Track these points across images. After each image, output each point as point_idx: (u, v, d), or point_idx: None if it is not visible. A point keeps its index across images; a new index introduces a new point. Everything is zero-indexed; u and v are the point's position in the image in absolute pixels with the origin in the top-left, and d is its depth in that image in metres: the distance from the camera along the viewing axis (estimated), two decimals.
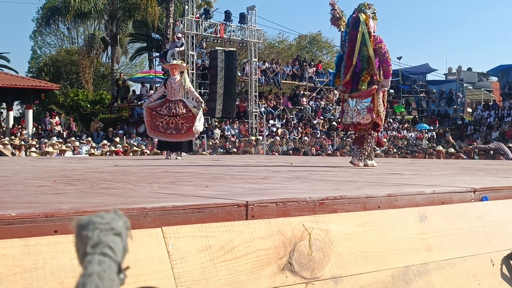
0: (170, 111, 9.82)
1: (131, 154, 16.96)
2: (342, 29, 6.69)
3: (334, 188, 3.27)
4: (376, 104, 6.48)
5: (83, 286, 0.57)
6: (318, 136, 25.18)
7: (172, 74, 9.97)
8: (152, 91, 26.65)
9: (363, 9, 6.56)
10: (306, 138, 24.52)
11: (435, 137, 28.02)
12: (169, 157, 10.02)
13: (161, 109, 9.88)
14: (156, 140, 10.86)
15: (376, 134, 6.76)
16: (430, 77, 37.90)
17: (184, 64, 10.99)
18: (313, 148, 19.84)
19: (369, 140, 6.69)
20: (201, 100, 10.50)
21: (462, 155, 14.80)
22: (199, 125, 10.06)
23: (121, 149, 17.33)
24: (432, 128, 30.31)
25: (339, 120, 7.25)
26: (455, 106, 34.49)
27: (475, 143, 19.17)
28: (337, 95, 31.48)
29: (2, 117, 31.47)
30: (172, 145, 10.01)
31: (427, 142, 25.44)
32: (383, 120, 6.70)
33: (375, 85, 6.46)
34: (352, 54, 6.50)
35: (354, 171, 5.76)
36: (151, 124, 9.98)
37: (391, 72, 6.58)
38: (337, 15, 6.67)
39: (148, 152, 17.36)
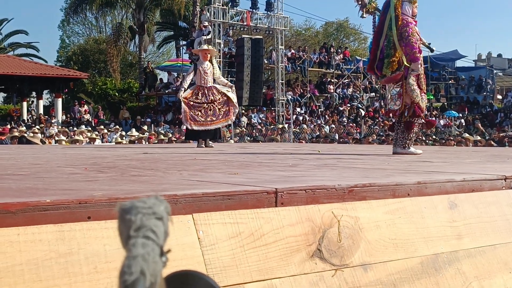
0: (208, 98, 9.68)
1: (156, 141, 17.10)
2: (365, 16, 6.64)
3: (363, 175, 3.27)
4: (408, 90, 6.36)
5: (128, 268, 0.59)
6: (345, 124, 25.06)
7: (204, 60, 9.80)
8: (180, 79, 26.82)
9: None
10: (333, 125, 24.42)
11: (464, 124, 27.69)
12: (202, 146, 9.82)
13: (197, 97, 9.69)
14: (184, 128, 10.71)
15: (419, 120, 6.60)
16: (459, 63, 37.42)
17: (215, 49, 10.91)
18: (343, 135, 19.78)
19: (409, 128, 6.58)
20: (231, 84, 10.42)
21: (492, 142, 14.61)
22: (237, 106, 10.16)
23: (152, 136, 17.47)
24: (461, 115, 29.91)
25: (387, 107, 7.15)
26: (484, 93, 33.95)
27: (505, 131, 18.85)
28: (366, 82, 31.32)
29: (32, 106, 31.94)
30: (207, 133, 9.84)
31: (456, 129, 25.15)
32: (421, 105, 6.51)
33: (400, 70, 6.36)
34: (378, 39, 6.45)
35: (382, 158, 5.73)
36: (190, 116, 9.71)
37: (417, 55, 6.40)
38: (361, 3, 6.60)
39: (175, 139, 17.51)
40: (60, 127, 21.21)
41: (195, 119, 9.71)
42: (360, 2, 6.64)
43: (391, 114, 6.70)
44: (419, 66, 6.40)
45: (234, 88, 10.36)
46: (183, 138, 13.99)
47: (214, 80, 9.92)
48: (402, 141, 6.57)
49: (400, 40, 6.31)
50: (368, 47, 7.04)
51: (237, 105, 10.12)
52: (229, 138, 18.78)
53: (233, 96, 9.92)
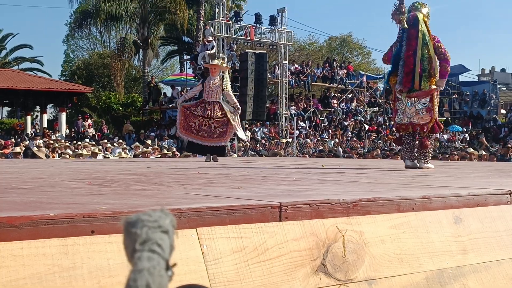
0: (205, 112, 9.39)
1: (159, 155, 17.04)
2: (405, 25, 6.47)
3: (367, 190, 3.25)
4: (434, 104, 6.39)
5: (134, 282, 0.59)
6: (349, 138, 25.05)
7: (212, 75, 9.54)
8: (184, 94, 26.86)
9: (419, 8, 6.47)
10: (336, 140, 24.41)
11: (467, 139, 27.62)
12: (209, 160, 9.58)
13: (195, 109, 9.47)
14: (186, 141, 10.54)
15: (433, 135, 6.65)
16: (462, 78, 37.46)
17: (225, 65, 10.72)
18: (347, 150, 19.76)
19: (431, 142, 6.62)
20: (239, 106, 10.02)
21: (494, 158, 14.57)
22: (241, 133, 9.87)
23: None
24: (464, 130, 29.85)
25: (392, 120, 7.02)
26: (488, 108, 33.92)
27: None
28: (369, 97, 31.36)
29: (36, 120, 32.03)
30: (203, 148, 9.64)
31: (460, 144, 25.08)
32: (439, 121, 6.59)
33: (434, 85, 6.38)
34: (412, 53, 6.40)
35: (387, 173, 5.72)
36: (183, 123, 9.53)
37: (448, 72, 6.48)
38: (403, 10, 6.49)
39: (178, 153, 17.49)
40: (63, 141, 21.19)
41: (186, 128, 9.52)
42: (402, 10, 6.49)
43: (411, 128, 6.57)
44: (444, 83, 6.48)
45: (240, 111, 9.98)
46: (185, 151, 13.95)
47: (223, 95, 9.75)
48: (425, 155, 6.57)
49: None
50: (391, 60, 6.83)
51: (237, 129, 9.72)
52: (232, 153, 18.77)
53: (234, 123, 9.56)
